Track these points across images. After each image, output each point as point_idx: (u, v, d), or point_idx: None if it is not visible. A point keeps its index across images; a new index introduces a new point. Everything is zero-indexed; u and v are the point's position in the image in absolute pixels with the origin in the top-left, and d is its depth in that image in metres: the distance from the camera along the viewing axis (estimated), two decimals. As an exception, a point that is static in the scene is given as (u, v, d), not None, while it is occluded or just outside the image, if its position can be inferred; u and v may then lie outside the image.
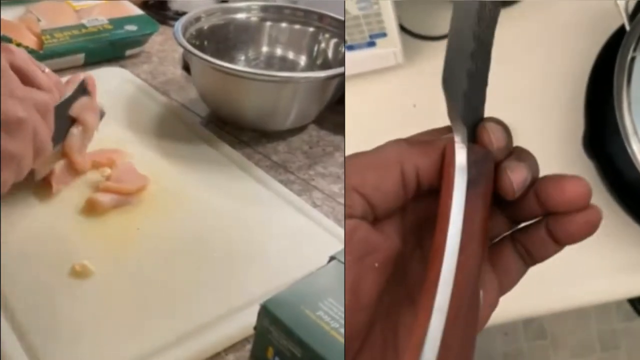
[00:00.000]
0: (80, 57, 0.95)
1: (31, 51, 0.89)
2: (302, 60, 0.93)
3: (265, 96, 0.78)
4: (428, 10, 0.70)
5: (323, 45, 0.92)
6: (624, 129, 0.50)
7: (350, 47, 0.62)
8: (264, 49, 0.94)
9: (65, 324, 0.51)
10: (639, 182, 0.51)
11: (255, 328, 0.44)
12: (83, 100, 0.66)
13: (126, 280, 0.56)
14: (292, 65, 0.93)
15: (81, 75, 0.69)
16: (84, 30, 0.96)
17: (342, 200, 0.72)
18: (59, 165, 0.65)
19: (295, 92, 0.79)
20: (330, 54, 0.91)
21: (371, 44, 0.62)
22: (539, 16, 0.68)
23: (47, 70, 0.66)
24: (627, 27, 0.55)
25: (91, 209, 0.63)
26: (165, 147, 0.77)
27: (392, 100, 0.66)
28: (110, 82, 0.89)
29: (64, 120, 0.64)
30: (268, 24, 0.93)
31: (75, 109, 0.65)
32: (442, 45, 0.66)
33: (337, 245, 0.62)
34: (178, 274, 0.58)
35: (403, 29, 0.67)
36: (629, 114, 0.50)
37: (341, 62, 0.86)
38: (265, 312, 0.43)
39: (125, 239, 0.61)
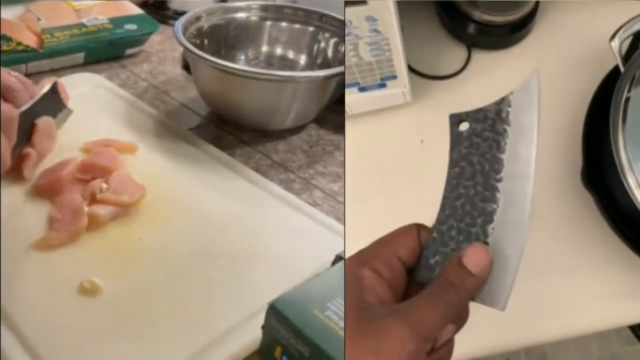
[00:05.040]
0: (80, 56, 0.95)
1: (31, 50, 0.89)
2: (302, 59, 0.93)
3: (265, 95, 0.78)
4: (434, 52, 0.74)
5: (323, 44, 0.92)
6: (620, 164, 0.53)
7: (363, 89, 0.65)
8: (264, 48, 0.94)
9: (78, 345, 0.50)
10: (636, 214, 0.53)
11: (263, 327, 0.45)
12: (43, 123, 0.67)
13: (136, 294, 0.55)
14: (292, 65, 0.93)
15: (47, 82, 0.69)
16: (84, 30, 0.96)
17: (342, 199, 0.73)
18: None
19: (295, 91, 0.79)
20: (330, 53, 0.91)
21: (382, 86, 0.65)
22: (539, 56, 0.72)
23: (15, 73, 0.66)
24: (621, 69, 0.58)
25: (90, 222, 0.61)
26: (154, 155, 0.75)
27: (401, 135, 0.69)
28: (82, 88, 0.85)
29: (30, 122, 0.65)
30: (268, 23, 0.93)
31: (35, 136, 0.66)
32: (447, 83, 0.72)
33: (339, 242, 0.62)
34: (187, 285, 0.57)
35: (411, 69, 0.70)
36: (624, 150, 0.53)
37: (341, 62, 0.86)
38: (273, 312, 0.43)
39: (129, 251, 0.60)
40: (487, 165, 0.39)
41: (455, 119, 0.40)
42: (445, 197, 0.40)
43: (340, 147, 0.83)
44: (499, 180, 0.38)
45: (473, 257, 0.37)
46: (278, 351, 0.44)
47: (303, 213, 0.68)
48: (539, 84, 0.39)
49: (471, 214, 0.39)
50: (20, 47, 0.89)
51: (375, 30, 0.57)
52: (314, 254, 0.61)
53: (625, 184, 0.53)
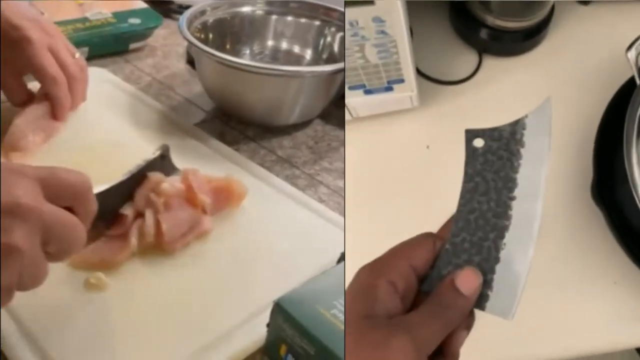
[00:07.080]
0: (84, 51, 0.94)
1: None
2: (308, 54, 0.93)
3: (270, 90, 0.78)
4: (444, 56, 0.72)
5: (329, 39, 0.91)
6: (632, 179, 0.52)
7: (369, 92, 0.64)
8: (270, 42, 0.93)
9: (83, 340, 0.50)
10: (646, 232, 0.52)
11: (268, 325, 0.44)
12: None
13: (141, 290, 0.55)
14: (297, 59, 0.93)
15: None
16: (87, 24, 0.96)
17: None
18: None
19: (300, 87, 0.78)
20: (336, 47, 0.90)
21: (389, 89, 0.63)
22: (551, 64, 0.70)
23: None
24: (637, 81, 0.56)
25: None
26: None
27: (407, 140, 0.67)
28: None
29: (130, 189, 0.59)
30: (274, 17, 0.93)
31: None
32: (456, 89, 0.70)
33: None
34: (192, 281, 0.56)
35: (419, 73, 0.68)
36: (638, 166, 0.52)
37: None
38: (279, 310, 0.42)
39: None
40: (500, 183, 0.41)
41: (471, 135, 0.41)
42: (459, 211, 0.41)
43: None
44: (512, 199, 0.40)
45: (465, 281, 0.39)
46: (283, 349, 0.43)
47: (309, 209, 0.67)
48: (551, 109, 0.41)
49: (484, 229, 0.40)
50: (23, 42, 0.88)
51: (383, 32, 0.56)
52: (320, 250, 0.60)
53: (637, 200, 0.52)
